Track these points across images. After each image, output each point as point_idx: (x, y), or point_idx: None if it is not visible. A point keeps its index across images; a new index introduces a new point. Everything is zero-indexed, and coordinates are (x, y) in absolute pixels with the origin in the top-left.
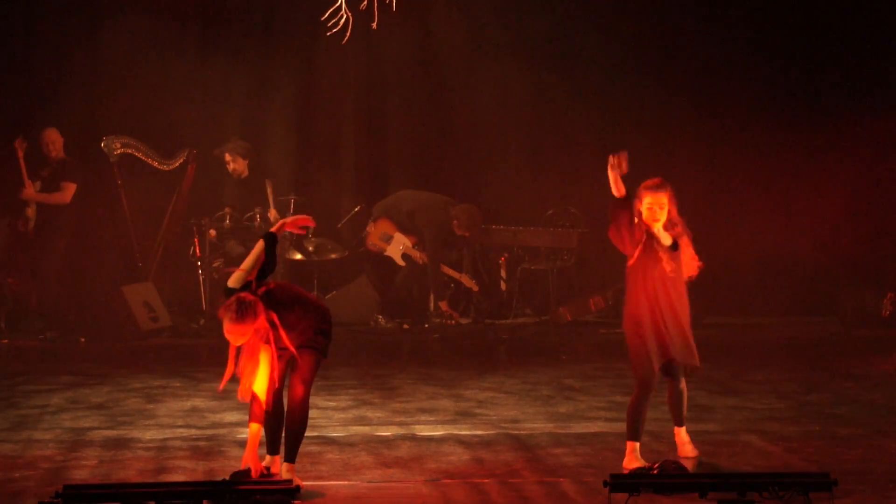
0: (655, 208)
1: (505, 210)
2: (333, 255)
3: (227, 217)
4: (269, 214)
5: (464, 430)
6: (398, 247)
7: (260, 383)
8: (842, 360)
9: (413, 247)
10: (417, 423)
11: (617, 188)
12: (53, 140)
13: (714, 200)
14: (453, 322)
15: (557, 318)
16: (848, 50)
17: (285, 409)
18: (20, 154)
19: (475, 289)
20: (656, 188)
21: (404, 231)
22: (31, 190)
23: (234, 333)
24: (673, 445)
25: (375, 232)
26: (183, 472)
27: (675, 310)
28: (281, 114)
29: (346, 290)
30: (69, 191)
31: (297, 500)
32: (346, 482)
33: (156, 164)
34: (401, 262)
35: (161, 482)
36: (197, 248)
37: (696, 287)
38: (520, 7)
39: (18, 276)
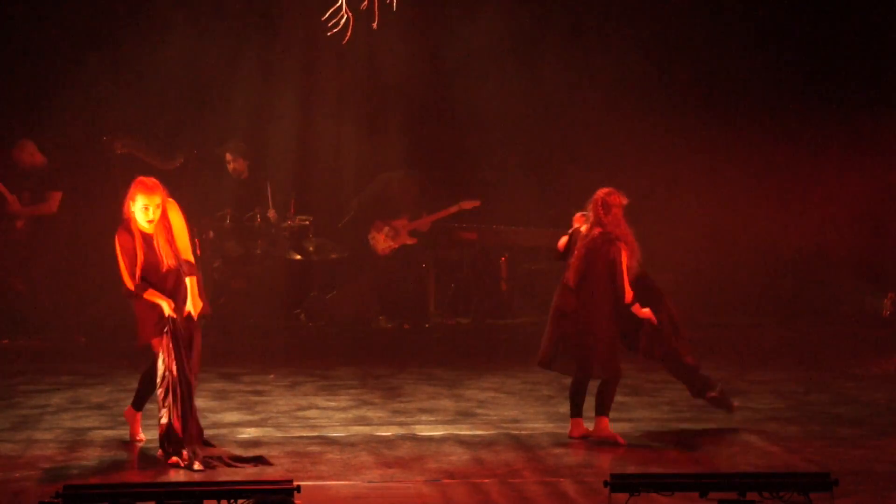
0: None
1: (505, 210)
2: (333, 255)
3: (228, 217)
4: (268, 214)
5: (464, 430)
6: (404, 233)
7: None
8: (842, 360)
9: (412, 222)
10: (418, 423)
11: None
12: (29, 152)
13: (714, 201)
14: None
15: None
16: (851, 51)
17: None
18: None
19: (477, 204)
20: None
21: (394, 213)
22: (16, 204)
23: None
24: (669, 444)
25: (379, 237)
26: (183, 472)
27: None
28: (281, 114)
29: (346, 290)
30: (55, 200)
31: (298, 499)
32: (346, 482)
33: (156, 164)
34: (412, 240)
35: (161, 482)
36: (197, 247)
37: (697, 287)
38: (520, 6)
39: (19, 278)
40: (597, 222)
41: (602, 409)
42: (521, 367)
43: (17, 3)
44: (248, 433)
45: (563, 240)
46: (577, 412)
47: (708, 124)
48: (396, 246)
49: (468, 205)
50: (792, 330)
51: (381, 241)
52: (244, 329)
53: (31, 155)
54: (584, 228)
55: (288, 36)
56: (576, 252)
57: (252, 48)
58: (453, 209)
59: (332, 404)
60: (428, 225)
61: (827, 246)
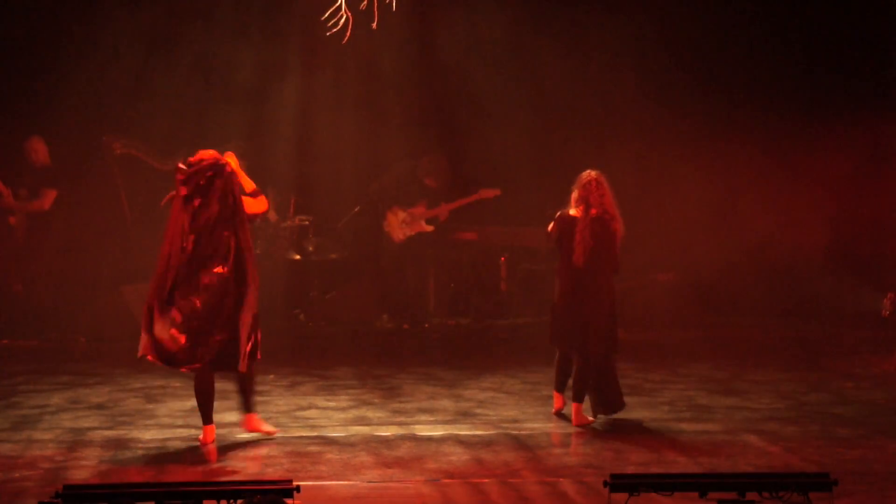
0: None
1: (505, 210)
2: (333, 255)
3: None
4: (268, 216)
5: (464, 430)
6: (421, 220)
7: None
8: (842, 360)
9: (429, 210)
10: (417, 423)
11: None
12: (37, 149)
13: (714, 201)
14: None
15: None
16: (849, 49)
17: None
18: None
19: (498, 192)
20: None
21: (411, 200)
22: (9, 199)
23: None
24: (669, 444)
25: (395, 222)
26: (183, 472)
27: None
28: (281, 114)
29: (345, 290)
30: (48, 198)
31: (297, 499)
32: (346, 482)
33: (156, 164)
34: (429, 228)
35: (161, 482)
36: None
37: (697, 286)
38: (520, 6)
39: (17, 278)
40: (593, 203)
41: (581, 395)
42: (521, 367)
43: (18, 4)
44: (248, 433)
45: (552, 225)
46: (562, 388)
47: (709, 121)
48: (413, 233)
49: (488, 193)
50: (792, 330)
51: (397, 227)
52: None
53: (35, 152)
54: (573, 212)
55: (288, 36)
56: (579, 234)
57: (252, 48)
58: (473, 198)
59: (332, 404)
60: (446, 213)
61: (827, 246)
